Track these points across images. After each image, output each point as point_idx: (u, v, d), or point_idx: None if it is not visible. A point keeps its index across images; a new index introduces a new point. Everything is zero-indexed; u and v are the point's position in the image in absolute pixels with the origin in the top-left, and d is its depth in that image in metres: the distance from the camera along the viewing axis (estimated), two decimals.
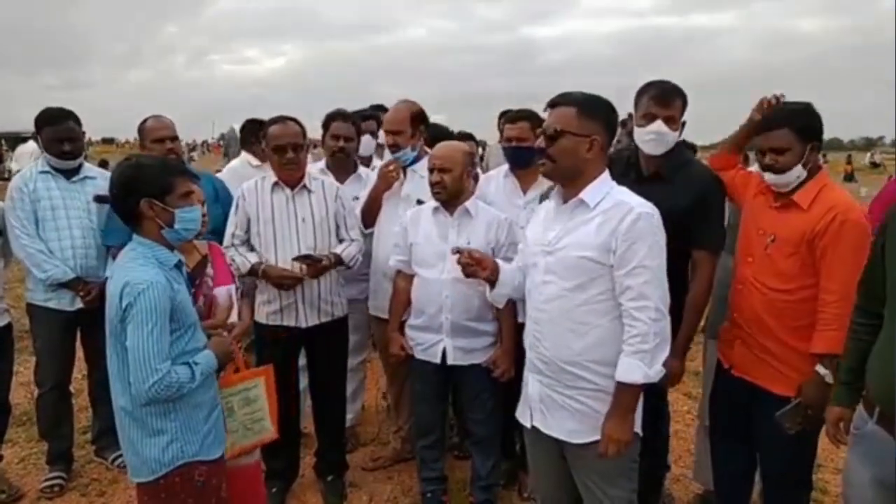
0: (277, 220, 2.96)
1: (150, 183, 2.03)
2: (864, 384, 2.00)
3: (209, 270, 2.49)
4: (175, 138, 3.30)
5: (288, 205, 2.97)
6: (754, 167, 2.57)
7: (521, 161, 2.93)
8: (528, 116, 2.95)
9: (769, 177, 2.35)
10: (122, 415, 2.02)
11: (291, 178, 2.97)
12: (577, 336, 2.05)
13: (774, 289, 2.33)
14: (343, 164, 3.53)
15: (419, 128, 3.23)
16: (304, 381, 3.26)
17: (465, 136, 4.22)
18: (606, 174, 2.09)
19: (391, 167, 3.17)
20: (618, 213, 1.98)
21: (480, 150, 5.98)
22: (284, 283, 2.90)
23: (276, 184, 2.98)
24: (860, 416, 1.94)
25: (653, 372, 1.96)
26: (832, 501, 3.26)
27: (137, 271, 1.94)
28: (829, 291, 2.21)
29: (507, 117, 3.05)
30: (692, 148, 7.28)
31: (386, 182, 3.20)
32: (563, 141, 2.03)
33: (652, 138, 2.52)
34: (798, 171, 2.30)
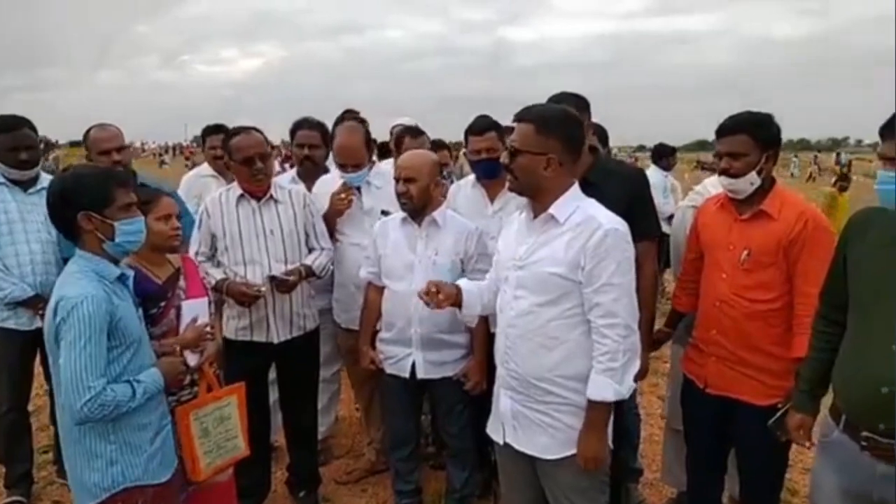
0: (245, 235, 2.90)
1: (89, 195, 1.93)
2: (824, 391, 2.04)
3: (181, 283, 2.43)
4: (122, 148, 3.21)
5: (255, 217, 2.91)
6: (708, 180, 2.60)
7: (492, 173, 2.90)
8: (495, 126, 2.95)
9: (724, 181, 2.39)
10: (63, 436, 1.95)
11: (259, 189, 2.91)
12: (547, 351, 2.04)
13: (756, 300, 2.34)
14: (312, 173, 3.48)
15: (371, 150, 3.25)
16: (273, 395, 3.20)
17: (438, 145, 4.17)
18: (575, 188, 2.08)
19: (342, 195, 3.13)
20: (587, 229, 1.98)
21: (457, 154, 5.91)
22: (245, 300, 2.82)
23: (241, 196, 2.92)
24: (827, 424, 1.95)
25: (623, 388, 1.96)
26: (801, 502, 3.30)
27: (73, 286, 1.87)
28: (807, 295, 2.23)
29: (474, 129, 3.02)
30: (671, 150, 7.35)
31: (337, 210, 3.15)
32: (521, 159, 2.03)
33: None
34: (752, 178, 2.33)
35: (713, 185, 2.97)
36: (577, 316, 2.01)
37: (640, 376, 2.62)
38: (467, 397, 2.77)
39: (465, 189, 3.12)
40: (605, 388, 1.96)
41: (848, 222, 1.96)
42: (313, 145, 3.45)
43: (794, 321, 2.30)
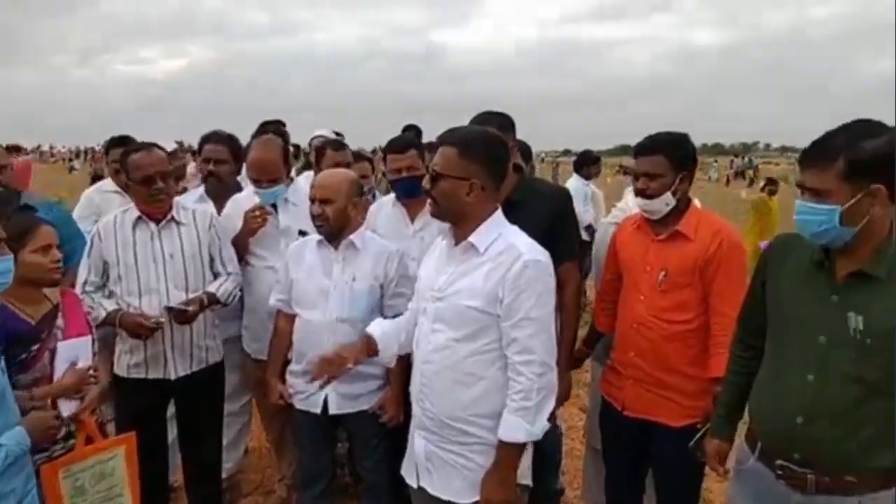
0: (141, 261, 2.66)
1: None
2: (741, 416, 2.03)
3: (59, 322, 2.18)
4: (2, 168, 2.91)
5: (153, 241, 2.68)
6: (630, 196, 2.60)
7: (412, 192, 2.76)
8: (415, 144, 2.84)
9: (640, 201, 2.38)
10: None
11: (159, 210, 2.68)
12: (464, 388, 1.94)
13: (674, 321, 2.33)
14: (220, 190, 3.25)
15: (289, 164, 3.09)
16: (172, 433, 2.97)
17: (359, 157, 3.98)
18: (497, 215, 1.99)
19: (256, 212, 2.92)
20: (507, 259, 1.89)
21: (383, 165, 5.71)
22: (141, 333, 2.58)
23: (139, 218, 2.68)
24: (743, 451, 1.93)
25: (536, 429, 1.89)
26: None
27: None
28: (723, 314, 2.25)
29: (393, 147, 2.89)
30: (594, 159, 7.36)
31: (251, 230, 2.95)
32: (443, 183, 1.93)
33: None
34: (667, 199, 2.33)
35: (633, 202, 2.97)
36: (495, 351, 1.93)
37: (561, 400, 2.60)
38: (383, 430, 2.63)
39: (385, 208, 2.98)
40: (517, 429, 1.88)
41: (768, 248, 1.96)
42: (220, 160, 3.22)
43: (710, 341, 2.31)
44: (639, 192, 2.37)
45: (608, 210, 6.02)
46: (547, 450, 2.65)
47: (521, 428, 1.87)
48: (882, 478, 1.69)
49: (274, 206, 3.01)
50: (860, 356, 1.65)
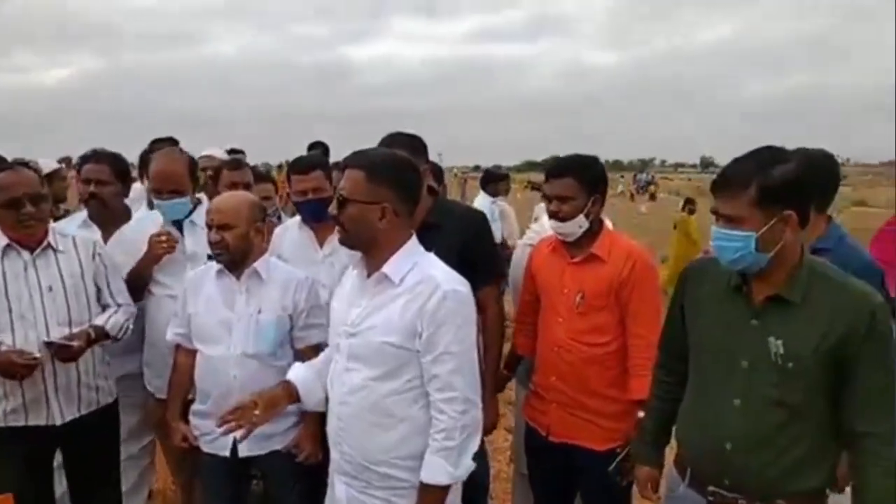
0: (13, 293, 2.36)
1: None
2: (667, 440, 2.03)
3: None
4: None
5: (27, 272, 2.39)
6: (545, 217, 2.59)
7: (320, 215, 2.59)
8: (321, 164, 2.71)
9: (553, 224, 2.37)
10: None
11: (32, 237, 2.40)
12: (384, 431, 1.82)
13: (593, 343, 2.31)
14: (104, 214, 2.97)
15: (195, 176, 2.87)
16: (62, 486, 2.64)
17: (262, 178, 3.77)
18: (412, 243, 1.89)
19: (163, 238, 2.68)
20: (425, 290, 1.78)
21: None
22: (15, 371, 2.28)
23: (8, 246, 2.39)
24: (672, 478, 1.92)
25: (460, 471, 1.80)
26: None
27: None
28: (639, 336, 2.26)
29: (298, 167, 2.74)
30: (501, 175, 7.31)
31: (154, 255, 2.70)
32: (351, 209, 1.81)
33: None
34: (580, 221, 2.33)
35: (549, 223, 2.96)
36: (417, 389, 1.82)
37: (490, 428, 2.56)
38: (300, 470, 2.44)
39: (291, 232, 2.81)
40: (439, 472, 1.78)
41: (684, 272, 1.96)
42: (101, 181, 2.93)
43: (629, 363, 2.31)
44: (552, 215, 2.36)
45: (521, 226, 6.06)
46: (475, 476, 2.58)
47: (444, 470, 1.78)
48: (810, 499, 1.72)
49: (180, 228, 2.79)
50: (782, 380, 1.66)
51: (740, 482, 1.72)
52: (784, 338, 1.65)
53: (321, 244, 2.70)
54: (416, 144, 2.47)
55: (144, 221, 2.85)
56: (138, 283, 2.75)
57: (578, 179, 2.31)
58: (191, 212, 2.83)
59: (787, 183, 1.62)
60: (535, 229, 3.08)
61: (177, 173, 2.77)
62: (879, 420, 1.62)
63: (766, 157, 1.66)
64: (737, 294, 1.75)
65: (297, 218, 2.82)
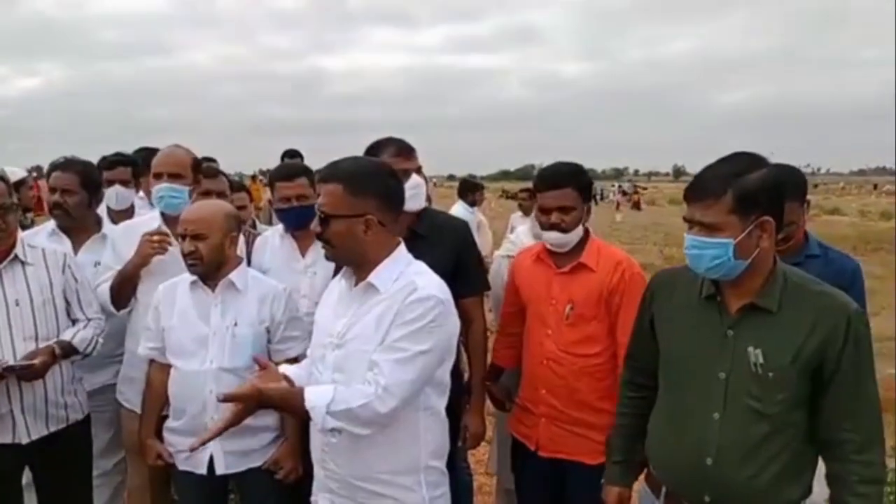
0: None
1: None
2: (638, 458, 1.96)
3: None
4: None
5: None
6: (521, 228, 2.59)
7: (304, 223, 2.50)
8: (305, 171, 2.66)
9: (555, 236, 2.32)
10: None
11: None
12: (370, 446, 1.76)
13: (584, 354, 2.27)
14: (70, 223, 2.87)
15: (198, 177, 2.77)
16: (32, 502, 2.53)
17: (237, 188, 3.70)
18: (400, 251, 1.84)
19: (155, 238, 2.53)
20: (400, 295, 1.74)
21: (269, 191, 5.38)
22: None
23: None
24: (645, 496, 1.88)
25: (327, 421, 1.66)
26: None
27: None
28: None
29: (281, 174, 2.68)
30: (477, 185, 7.31)
31: (144, 257, 2.54)
32: (335, 225, 1.75)
33: (415, 192, 2.35)
34: (580, 231, 2.31)
35: (525, 235, 2.96)
36: None
37: (478, 440, 2.56)
38: (280, 488, 2.37)
39: (272, 241, 2.75)
40: (320, 401, 1.65)
41: (650, 285, 1.92)
42: (67, 190, 2.82)
43: (619, 373, 2.24)
44: (551, 227, 2.30)
45: (497, 237, 6.01)
46: (459, 494, 2.54)
47: (322, 405, 1.64)
48: None
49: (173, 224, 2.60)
50: (763, 390, 1.63)
51: (722, 497, 1.67)
52: (763, 347, 1.62)
53: (303, 254, 2.65)
54: (406, 147, 2.43)
55: (137, 227, 2.70)
56: (126, 285, 2.60)
57: (577, 189, 2.30)
58: None
59: (764, 189, 1.60)
60: (513, 240, 3.06)
61: (180, 159, 2.70)
62: (859, 427, 1.61)
63: (741, 163, 1.64)
64: (710, 304, 1.71)
65: (279, 227, 2.76)
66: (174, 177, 2.64)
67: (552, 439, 2.35)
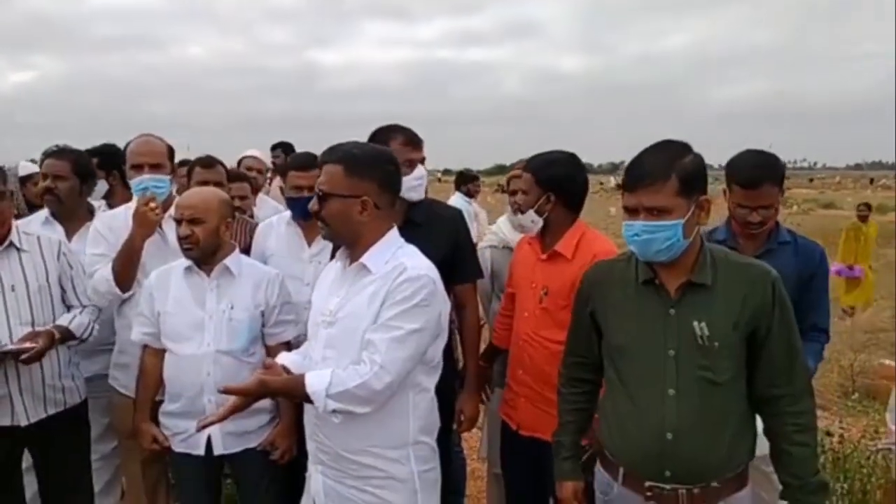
0: None
1: None
2: (586, 451, 2.02)
3: None
4: None
5: None
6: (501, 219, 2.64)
7: (311, 213, 2.57)
8: (320, 164, 2.70)
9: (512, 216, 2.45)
10: None
11: None
12: (360, 420, 1.80)
13: (554, 340, 2.28)
14: (62, 210, 2.90)
15: (173, 164, 2.81)
16: (32, 488, 2.58)
17: (239, 177, 3.72)
18: (392, 234, 1.89)
19: (150, 204, 2.47)
20: (391, 274, 1.79)
21: (268, 185, 5.39)
22: None
23: None
24: (601, 481, 1.92)
25: (326, 405, 1.72)
26: None
27: None
28: None
29: (296, 164, 2.71)
30: (473, 176, 7.45)
31: (145, 224, 2.47)
32: (332, 203, 1.81)
33: (419, 183, 2.42)
34: (532, 216, 2.37)
35: (504, 224, 3.04)
36: None
37: (473, 423, 2.61)
38: (275, 470, 2.42)
39: (278, 228, 2.77)
40: (319, 385, 1.71)
41: (584, 280, 1.98)
42: (58, 176, 2.85)
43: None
44: (518, 209, 2.43)
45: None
46: (452, 477, 2.58)
47: (322, 389, 1.71)
48: (738, 479, 1.78)
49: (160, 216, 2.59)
50: (711, 360, 1.72)
51: (681, 471, 1.73)
52: (706, 319, 1.71)
53: (309, 243, 2.68)
54: (415, 137, 2.45)
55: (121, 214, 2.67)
56: (128, 262, 2.51)
57: (533, 174, 2.38)
58: (167, 202, 2.68)
59: (700, 170, 1.72)
60: (494, 230, 3.11)
61: (159, 149, 2.69)
62: (793, 380, 1.74)
63: (674, 149, 1.73)
64: (648, 288, 1.79)
65: (286, 214, 2.79)
66: (155, 167, 2.64)
67: (531, 419, 2.39)
